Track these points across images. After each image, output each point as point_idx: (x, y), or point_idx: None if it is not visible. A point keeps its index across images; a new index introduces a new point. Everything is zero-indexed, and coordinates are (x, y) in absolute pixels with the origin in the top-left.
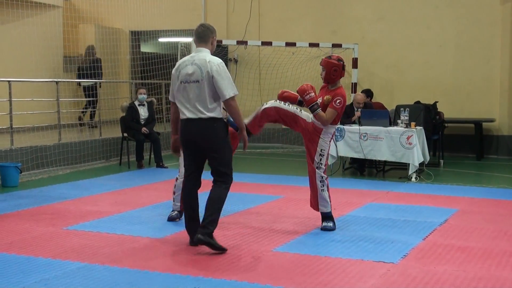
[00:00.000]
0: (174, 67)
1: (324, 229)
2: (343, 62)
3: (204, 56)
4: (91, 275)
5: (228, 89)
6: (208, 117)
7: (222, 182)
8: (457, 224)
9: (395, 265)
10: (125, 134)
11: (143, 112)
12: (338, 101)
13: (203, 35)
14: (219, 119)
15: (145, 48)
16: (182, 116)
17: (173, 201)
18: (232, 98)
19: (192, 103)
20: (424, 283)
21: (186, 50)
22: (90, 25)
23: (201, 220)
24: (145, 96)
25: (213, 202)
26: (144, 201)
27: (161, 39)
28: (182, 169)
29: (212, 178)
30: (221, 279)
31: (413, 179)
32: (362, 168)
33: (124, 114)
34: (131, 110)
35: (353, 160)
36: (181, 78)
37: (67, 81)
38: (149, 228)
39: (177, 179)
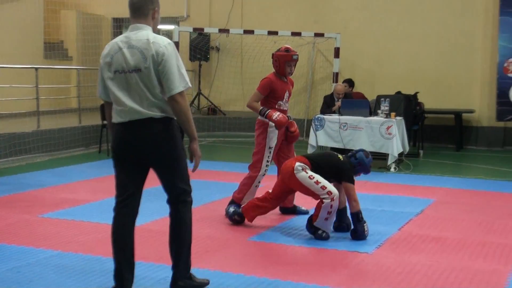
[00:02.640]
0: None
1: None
2: None
3: (146, 35)
4: (64, 263)
5: (176, 81)
6: (160, 117)
7: (183, 204)
8: (433, 214)
9: (369, 255)
10: (105, 122)
11: None
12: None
13: (140, 5)
14: (171, 119)
15: None
16: (117, 119)
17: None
18: (181, 93)
19: (134, 100)
20: (397, 273)
21: (168, 37)
22: (72, 11)
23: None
24: None
25: (182, 237)
26: None
27: None
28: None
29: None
30: (194, 268)
31: (392, 169)
32: None
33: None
34: None
35: (333, 150)
36: (116, 67)
37: (47, 68)
38: None
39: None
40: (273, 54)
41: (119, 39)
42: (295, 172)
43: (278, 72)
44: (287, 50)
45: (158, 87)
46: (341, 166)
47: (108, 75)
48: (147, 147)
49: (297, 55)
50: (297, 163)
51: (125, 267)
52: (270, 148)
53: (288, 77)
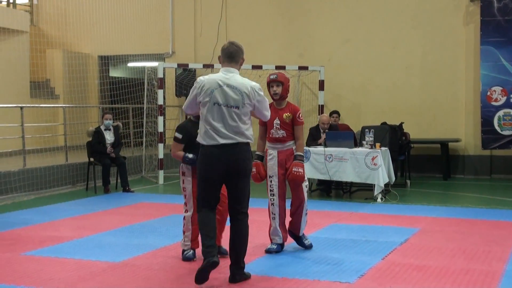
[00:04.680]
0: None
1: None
2: None
3: (242, 79)
4: None
5: (268, 112)
6: (244, 142)
7: (245, 215)
8: (417, 243)
9: (351, 284)
10: (92, 159)
11: (109, 137)
12: (300, 115)
13: (235, 54)
14: (249, 143)
15: (114, 73)
16: (208, 142)
17: (184, 240)
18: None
19: (230, 128)
20: None
21: (153, 74)
22: (58, 50)
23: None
24: (111, 121)
25: (244, 239)
26: (106, 226)
27: (130, 64)
28: (191, 202)
29: None
30: None
31: (379, 199)
32: (328, 190)
33: (90, 139)
34: (97, 135)
35: (320, 182)
36: (215, 100)
37: (32, 106)
38: (108, 252)
39: (186, 213)
40: None
41: (217, 77)
42: None
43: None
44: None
45: (248, 119)
46: None
47: (206, 105)
48: (232, 164)
49: (275, 74)
50: None
51: (212, 247)
52: (270, 177)
53: (289, 104)
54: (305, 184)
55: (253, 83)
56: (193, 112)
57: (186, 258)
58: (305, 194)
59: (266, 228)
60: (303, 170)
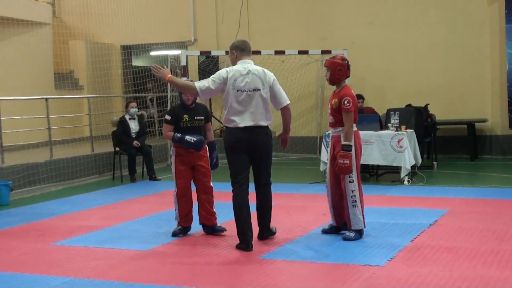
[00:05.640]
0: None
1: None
2: (348, 62)
3: (257, 67)
4: None
5: (285, 96)
6: (265, 125)
7: (269, 185)
8: (446, 224)
9: (381, 268)
10: (117, 148)
11: (134, 126)
12: (346, 101)
13: (249, 47)
14: (268, 127)
15: (137, 62)
16: (234, 124)
17: (175, 217)
18: (289, 104)
19: (252, 111)
20: (409, 285)
21: (176, 62)
22: (81, 41)
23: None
24: (136, 109)
25: (266, 203)
26: (134, 214)
27: (152, 53)
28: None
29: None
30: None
31: (406, 182)
32: None
33: (115, 129)
34: (122, 124)
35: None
36: (239, 87)
37: (57, 98)
38: (137, 240)
39: (174, 192)
40: None
41: (239, 68)
42: None
43: None
44: None
45: (267, 103)
46: None
47: (230, 92)
48: (256, 145)
49: (325, 60)
50: None
51: (247, 227)
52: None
53: (343, 89)
54: (350, 174)
55: (267, 71)
56: (207, 97)
57: (172, 234)
58: (349, 185)
59: (295, 214)
60: (350, 161)
